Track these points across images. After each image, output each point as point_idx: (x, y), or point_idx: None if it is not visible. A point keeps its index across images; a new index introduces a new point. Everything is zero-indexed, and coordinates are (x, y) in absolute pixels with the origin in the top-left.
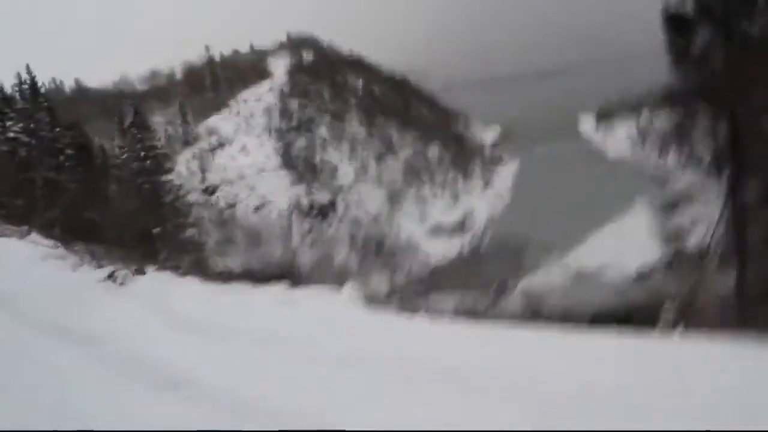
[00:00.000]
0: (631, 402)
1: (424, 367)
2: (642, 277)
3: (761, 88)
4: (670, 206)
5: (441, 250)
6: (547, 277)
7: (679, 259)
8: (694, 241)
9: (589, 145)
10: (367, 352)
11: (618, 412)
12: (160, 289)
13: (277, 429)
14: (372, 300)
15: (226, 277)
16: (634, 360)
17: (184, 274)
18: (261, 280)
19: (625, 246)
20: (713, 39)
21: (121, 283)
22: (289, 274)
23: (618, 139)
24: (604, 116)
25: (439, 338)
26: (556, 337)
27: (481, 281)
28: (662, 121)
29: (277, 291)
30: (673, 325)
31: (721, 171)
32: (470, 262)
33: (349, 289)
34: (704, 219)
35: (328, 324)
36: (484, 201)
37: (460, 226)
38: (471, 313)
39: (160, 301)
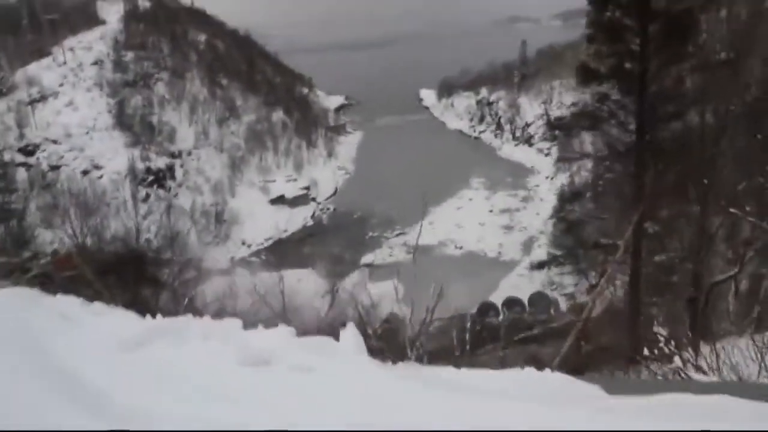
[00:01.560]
0: None
1: None
2: (540, 265)
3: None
4: (573, 196)
5: (283, 222)
6: (390, 254)
7: (580, 250)
8: (588, 232)
9: (429, 116)
10: None
11: None
12: (30, 329)
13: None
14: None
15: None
16: None
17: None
18: (114, 264)
19: (464, 223)
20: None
21: None
22: (138, 253)
23: (457, 113)
24: (445, 89)
25: None
26: None
27: (325, 255)
28: (500, 98)
29: (229, 332)
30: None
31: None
32: (314, 235)
33: (351, 336)
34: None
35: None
36: (327, 172)
37: (304, 198)
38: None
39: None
